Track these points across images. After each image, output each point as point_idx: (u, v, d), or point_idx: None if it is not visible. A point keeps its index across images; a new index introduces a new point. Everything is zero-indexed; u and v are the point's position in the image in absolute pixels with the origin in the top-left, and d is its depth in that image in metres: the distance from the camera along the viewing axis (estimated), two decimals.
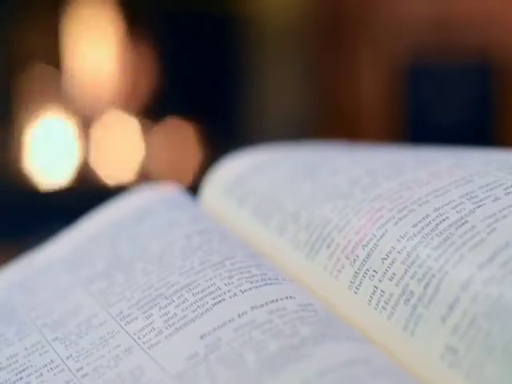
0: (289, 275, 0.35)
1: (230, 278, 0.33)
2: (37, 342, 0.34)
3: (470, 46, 1.73)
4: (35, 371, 0.32)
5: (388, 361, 0.29)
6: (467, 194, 0.33)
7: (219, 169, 0.42)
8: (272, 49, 1.82)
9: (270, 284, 0.33)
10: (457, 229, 0.31)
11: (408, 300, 0.30)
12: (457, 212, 0.32)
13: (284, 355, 0.28)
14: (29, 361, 0.33)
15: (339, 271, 0.33)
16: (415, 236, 0.32)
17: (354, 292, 0.32)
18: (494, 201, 0.32)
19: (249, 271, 0.34)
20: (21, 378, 0.32)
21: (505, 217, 0.31)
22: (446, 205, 0.33)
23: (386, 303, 0.31)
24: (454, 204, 0.32)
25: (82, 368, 0.32)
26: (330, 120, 1.87)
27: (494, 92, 1.73)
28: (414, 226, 0.32)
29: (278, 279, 0.33)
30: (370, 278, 0.32)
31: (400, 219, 0.33)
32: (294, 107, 1.84)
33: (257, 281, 0.33)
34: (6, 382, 0.32)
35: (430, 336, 0.29)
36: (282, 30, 1.82)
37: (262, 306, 0.31)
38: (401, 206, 0.33)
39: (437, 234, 0.31)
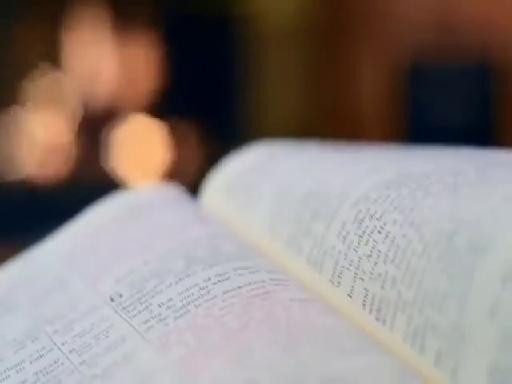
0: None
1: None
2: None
3: (470, 47, 1.73)
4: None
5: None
6: None
7: (221, 168, 0.42)
8: (272, 49, 1.82)
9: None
10: None
11: None
12: None
13: None
14: None
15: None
16: None
17: None
18: None
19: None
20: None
21: None
22: None
23: None
24: None
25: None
26: (330, 120, 1.86)
27: (494, 92, 1.72)
28: None
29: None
30: None
31: None
32: (293, 107, 1.84)
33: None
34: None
35: None
36: (282, 30, 1.81)
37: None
38: None
39: None
